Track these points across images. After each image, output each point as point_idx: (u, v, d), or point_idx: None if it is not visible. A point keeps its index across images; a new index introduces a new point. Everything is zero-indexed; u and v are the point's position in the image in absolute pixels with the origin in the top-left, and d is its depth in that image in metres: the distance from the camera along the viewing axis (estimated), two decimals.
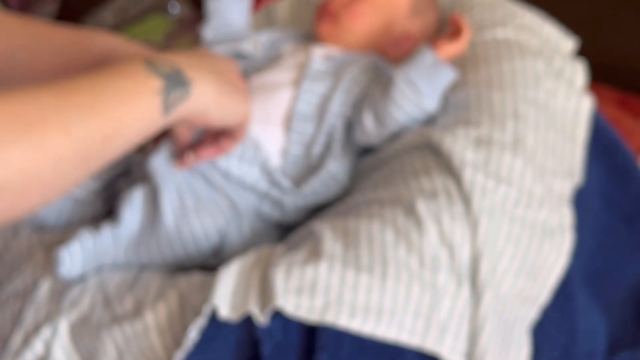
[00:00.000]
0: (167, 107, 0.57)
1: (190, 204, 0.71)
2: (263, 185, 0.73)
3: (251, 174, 0.73)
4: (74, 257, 0.68)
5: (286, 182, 0.73)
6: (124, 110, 0.54)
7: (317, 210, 0.76)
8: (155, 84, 0.56)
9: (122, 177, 0.79)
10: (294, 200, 0.74)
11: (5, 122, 0.48)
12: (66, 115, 0.51)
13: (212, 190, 0.73)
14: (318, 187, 0.74)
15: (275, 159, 0.76)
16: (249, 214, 0.73)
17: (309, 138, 0.76)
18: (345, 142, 0.76)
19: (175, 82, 0.58)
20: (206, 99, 0.61)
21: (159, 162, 0.71)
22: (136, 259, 0.72)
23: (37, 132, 0.49)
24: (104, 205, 0.78)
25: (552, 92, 0.75)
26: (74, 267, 0.69)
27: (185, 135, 0.71)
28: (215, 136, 0.71)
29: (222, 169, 0.72)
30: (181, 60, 0.61)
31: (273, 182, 0.73)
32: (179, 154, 0.71)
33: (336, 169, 0.74)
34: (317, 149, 0.75)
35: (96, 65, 0.68)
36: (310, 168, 0.75)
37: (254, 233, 0.73)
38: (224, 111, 0.65)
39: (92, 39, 0.70)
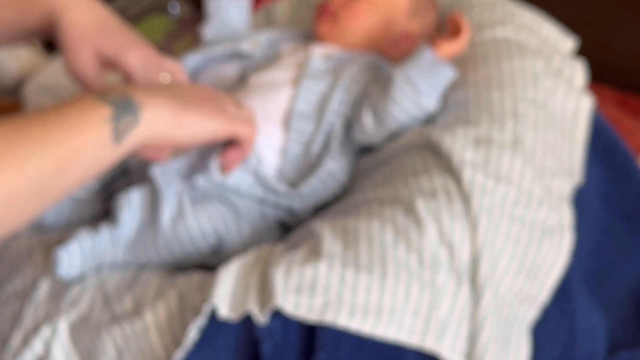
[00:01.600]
0: (117, 135, 0.56)
1: (189, 205, 0.71)
2: (258, 191, 0.73)
3: (245, 181, 0.73)
4: (73, 257, 0.68)
5: (281, 187, 0.73)
6: (75, 141, 0.54)
7: (317, 209, 0.77)
8: (103, 112, 0.56)
9: (121, 177, 0.79)
10: (291, 202, 0.74)
11: None
12: (19, 149, 0.51)
13: (211, 196, 0.73)
14: (317, 186, 0.74)
15: (273, 159, 0.76)
16: (250, 215, 0.73)
17: (308, 137, 0.76)
18: (344, 141, 0.76)
19: (124, 109, 0.57)
20: (160, 122, 0.60)
21: (161, 170, 0.72)
22: (134, 259, 0.72)
23: None
24: (103, 204, 0.78)
25: (552, 92, 0.75)
26: (72, 268, 0.69)
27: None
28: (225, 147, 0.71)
29: (217, 180, 0.72)
30: (134, 88, 0.60)
31: (268, 188, 0.73)
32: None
33: (334, 167, 0.74)
34: (315, 148, 0.75)
35: (44, 21, 0.69)
36: (308, 167, 0.75)
37: (254, 233, 0.73)
38: (189, 129, 0.63)
39: None
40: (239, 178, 0.72)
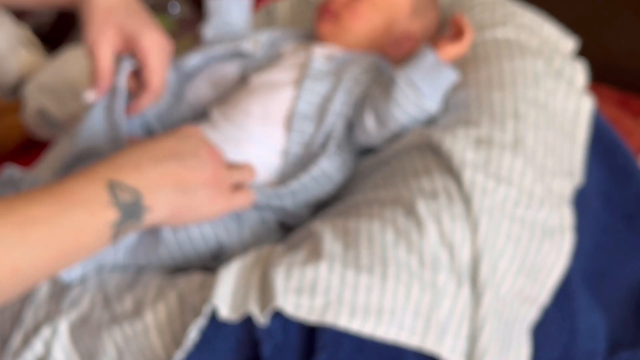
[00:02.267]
0: (115, 237, 0.57)
1: None
2: (262, 200, 0.73)
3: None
4: None
5: (282, 190, 0.73)
6: (74, 244, 0.55)
7: (317, 209, 0.77)
8: (111, 217, 0.56)
9: None
10: (282, 202, 0.74)
11: None
12: (20, 255, 0.51)
13: None
14: (309, 184, 0.73)
15: (275, 160, 0.76)
16: (250, 220, 0.73)
17: (309, 137, 0.76)
18: (342, 140, 0.76)
19: (132, 213, 0.57)
20: (157, 220, 0.61)
21: None
22: (135, 261, 0.72)
23: None
24: None
25: (552, 92, 0.75)
26: (73, 271, 0.69)
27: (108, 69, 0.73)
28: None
29: None
30: (145, 180, 0.59)
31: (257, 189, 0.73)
32: None
33: (329, 166, 0.74)
34: (315, 148, 0.75)
35: (69, 4, 0.71)
36: (305, 165, 0.75)
37: (255, 237, 0.73)
38: (185, 221, 0.65)
39: None
40: None
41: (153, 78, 0.73)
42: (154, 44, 0.72)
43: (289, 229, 0.76)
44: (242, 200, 0.69)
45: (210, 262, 0.72)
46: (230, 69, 0.83)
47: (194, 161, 0.64)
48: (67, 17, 1.45)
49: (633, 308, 0.79)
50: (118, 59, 0.75)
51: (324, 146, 0.75)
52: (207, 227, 0.70)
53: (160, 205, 0.60)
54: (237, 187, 0.69)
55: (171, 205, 0.61)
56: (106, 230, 0.56)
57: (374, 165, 0.76)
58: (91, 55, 0.72)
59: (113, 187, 0.57)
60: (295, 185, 0.73)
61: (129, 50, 0.73)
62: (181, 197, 0.62)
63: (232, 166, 0.70)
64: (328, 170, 0.74)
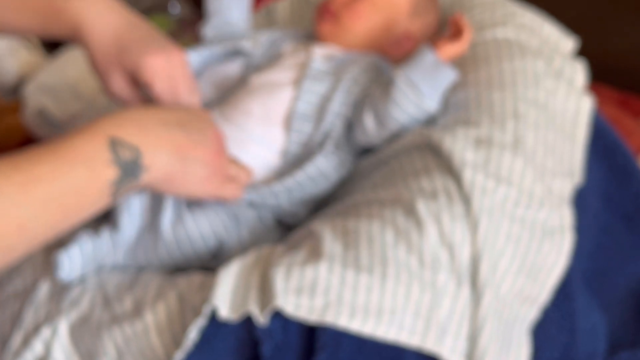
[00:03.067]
0: (114, 195, 0.58)
1: (187, 210, 0.71)
2: (257, 198, 0.73)
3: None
4: (73, 261, 0.68)
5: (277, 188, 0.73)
6: (76, 203, 0.56)
7: (316, 209, 0.76)
8: (111, 175, 0.57)
9: None
10: (277, 200, 0.74)
11: None
12: (25, 214, 0.52)
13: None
14: (303, 181, 0.73)
15: (274, 160, 0.76)
16: (248, 219, 0.73)
17: (307, 137, 0.76)
18: (341, 140, 0.76)
19: (130, 172, 0.58)
20: (153, 182, 0.61)
21: None
22: (135, 262, 0.72)
23: None
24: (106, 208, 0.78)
25: (552, 92, 0.75)
26: (73, 271, 0.69)
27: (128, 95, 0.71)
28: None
29: None
30: (145, 138, 0.60)
31: (265, 195, 0.73)
32: None
33: (325, 165, 0.74)
34: (313, 147, 0.75)
35: (69, 33, 0.69)
36: (302, 163, 0.75)
37: (253, 236, 0.73)
38: (175, 191, 0.65)
39: (65, 9, 0.69)
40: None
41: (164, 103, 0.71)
42: (155, 72, 0.69)
43: (288, 228, 0.76)
44: (230, 192, 0.69)
45: (210, 262, 0.72)
46: (232, 70, 0.83)
47: (198, 135, 0.64)
48: None
49: (633, 308, 0.79)
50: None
51: (321, 145, 0.75)
52: (206, 226, 0.71)
53: (157, 166, 0.60)
54: (231, 179, 0.69)
55: (167, 169, 0.61)
56: (106, 189, 0.57)
57: (374, 165, 0.76)
58: (117, 103, 0.71)
59: (114, 144, 0.57)
60: (290, 182, 0.73)
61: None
62: (178, 164, 0.62)
63: (233, 160, 0.70)
64: (324, 168, 0.74)
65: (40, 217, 0.53)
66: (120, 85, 0.70)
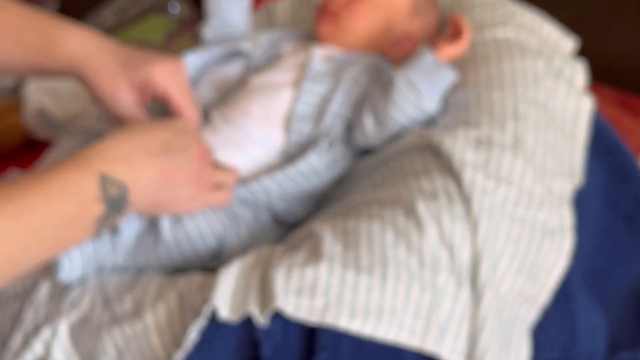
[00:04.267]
0: (98, 229, 0.59)
1: None
2: (248, 195, 0.74)
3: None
4: (74, 262, 0.68)
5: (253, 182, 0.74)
6: (65, 235, 0.57)
7: (316, 208, 0.76)
8: (98, 210, 0.58)
9: None
10: (269, 198, 0.74)
11: None
12: (15, 243, 0.53)
13: None
14: (294, 176, 0.73)
15: (274, 161, 0.76)
16: (246, 218, 0.73)
17: (306, 137, 0.76)
18: (338, 139, 0.76)
19: (116, 208, 0.59)
20: (137, 210, 0.64)
21: None
22: (134, 263, 0.72)
23: None
24: None
25: (552, 92, 0.75)
26: (73, 272, 0.69)
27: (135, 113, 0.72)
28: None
29: None
30: (132, 173, 0.61)
31: (256, 191, 0.73)
32: None
33: (317, 161, 0.74)
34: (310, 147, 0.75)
35: (64, 68, 0.69)
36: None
37: (253, 235, 0.73)
38: (161, 213, 0.68)
39: (59, 44, 0.69)
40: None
41: (184, 108, 0.72)
42: (167, 76, 0.70)
43: (288, 228, 0.76)
44: (220, 199, 0.70)
45: (210, 262, 0.72)
46: (232, 71, 0.83)
47: (183, 158, 0.65)
48: (68, 17, 1.45)
49: (633, 308, 0.79)
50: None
51: (315, 142, 0.75)
52: (205, 226, 0.71)
53: (142, 199, 0.62)
54: (218, 186, 0.70)
55: (152, 197, 0.63)
56: (91, 224, 0.58)
57: (374, 166, 0.76)
58: (122, 122, 0.71)
59: (104, 181, 0.58)
60: (279, 176, 0.73)
61: (148, 96, 0.72)
62: (163, 192, 0.64)
63: (218, 166, 0.71)
64: (316, 165, 0.74)
65: (30, 248, 0.54)
66: (129, 103, 0.70)
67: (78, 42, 0.69)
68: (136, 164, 0.61)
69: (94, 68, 0.69)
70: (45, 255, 0.56)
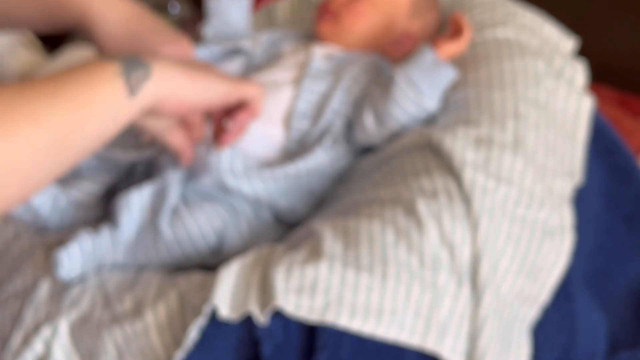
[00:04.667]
0: (131, 88, 0.57)
1: (185, 207, 0.71)
2: (250, 190, 0.73)
3: (249, 186, 0.73)
4: (73, 259, 0.68)
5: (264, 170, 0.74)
6: (87, 94, 0.54)
7: (316, 207, 0.76)
8: (113, 67, 0.56)
9: (123, 182, 0.79)
10: (269, 194, 0.74)
11: None
12: (32, 103, 0.51)
13: (209, 196, 0.73)
14: (302, 170, 0.73)
15: (274, 158, 0.76)
16: (247, 214, 0.73)
17: (305, 134, 0.76)
18: (339, 137, 0.76)
19: (134, 63, 0.57)
20: (171, 79, 0.60)
21: (172, 172, 0.72)
22: (135, 260, 0.72)
23: (7, 123, 0.49)
24: (106, 209, 0.78)
25: (553, 92, 0.75)
26: (72, 269, 0.69)
27: (182, 143, 0.70)
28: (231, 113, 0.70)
29: (217, 180, 0.72)
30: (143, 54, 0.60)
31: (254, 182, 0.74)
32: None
33: (322, 158, 0.74)
34: (309, 144, 0.75)
35: (75, 22, 0.69)
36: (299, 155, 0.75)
37: (253, 232, 0.73)
38: (198, 87, 0.63)
39: None
40: (241, 184, 0.72)
41: None
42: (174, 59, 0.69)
43: (289, 226, 0.76)
44: (253, 88, 0.67)
45: (210, 259, 0.72)
46: (232, 70, 0.83)
47: (209, 73, 0.64)
48: None
49: (633, 308, 0.79)
50: None
51: (320, 140, 0.75)
52: (205, 222, 0.71)
53: (162, 64, 0.59)
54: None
55: (176, 66, 0.60)
56: (116, 80, 0.56)
57: (374, 165, 0.76)
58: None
59: (107, 56, 0.57)
60: (290, 168, 0.73)
61: None
62: (186, 65, 0.62)
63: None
64: (322, 161, 0.74)
65: (52, 109, 0.52)
66: None
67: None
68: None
69: (102, 31, 0.68)
70: (74, 113, 0.53)
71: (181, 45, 0.70)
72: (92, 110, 0.55)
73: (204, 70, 0.64)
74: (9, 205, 0.52)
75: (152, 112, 0.61)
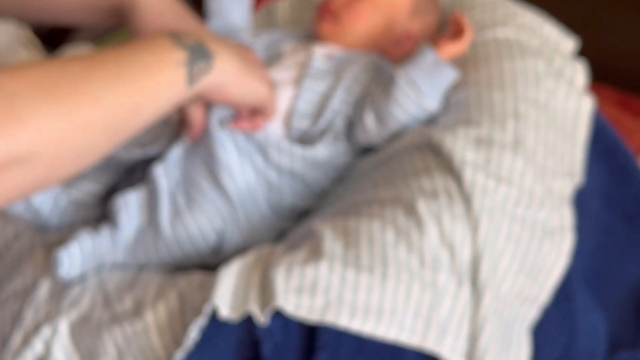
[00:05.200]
0: (191, 78, 0.58)
1: (185, 206, 0.71)
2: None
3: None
4: (73, 258, 0.68)
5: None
6: (149, 80, 0.56)
7: (316, 207, 0.76)
8: (179, 55, 0.57)
9: (124, 182, 0.79)
10: (280, 182, 0.74)
11: (38, 93, 0.49)
12: (95, 85, 0.52)
13: (206, 187, 0.73)
14: (306, 159, 0.74)
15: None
16: (247, 211, 0.73)
17: (304, 134, 0.76)
18: (340, 136, 0.76)
19: (199, 54, 0.59)
20: (228, 73, 0.63)
21: (164, 167, 0.72)
22: (135, 260, 0.72)
23: (68, 102, 0.50)
24: (107, 209, 0.78)
25: (553, 92, 0.75)
26: (72, 269, 0.69)
27: (199, 119, 0.72)
28: (249, 114, 0.72)
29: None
30: (207, 36, 0.62)
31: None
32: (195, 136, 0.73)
33: (323, 153, 0.74)
34: (308, 141, 0.75)
35: (114, 4, 0.70)
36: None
37: (253, 228, 0.73)
38: (244, 88, 0.66)
39: None
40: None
41: None
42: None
43: (289, 224, 0.76)
44: (268, 113, 0.72)
45: (210, 258, 0.72)
46: None
47: (247, 53, 0.67)
48: None
49: (633, 308, 0.79)
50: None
51: (320, 137, 0.75)
52: (204, 221, 0.71)
53: (225, 55, 0.62)
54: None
55: (235, 59, 0.63)
56: (179, 70, 0.57)
57: (374, 165, 0.76)
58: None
59: (175, 36, 0.58)
60: (297, 150, 0.73)
61: None
62: (242, 59, 0.65)
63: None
64: (322, 157, 0.74)
65: (118, 94, 0.53)
66: None
67: None
68: (204, 34, 0.63)
69: (148, 5, 0.70)
70: (134, 98, 0.55)
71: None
72: (151, 96, 0.56)
73: (253, 67, 0.67)
74: (60, 180, 0.53)
75: (199, 97, 0.63)
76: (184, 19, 0.73)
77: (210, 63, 0.60)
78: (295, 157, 0.74)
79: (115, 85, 0.53)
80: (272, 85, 0.74)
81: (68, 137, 0.51)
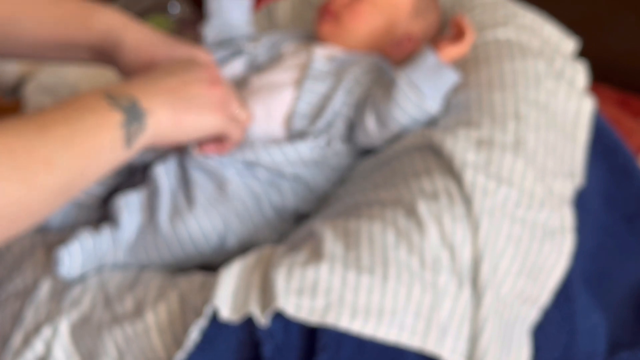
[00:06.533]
0: (128, 139, 0.60)
1: (184, 202, 0.71)
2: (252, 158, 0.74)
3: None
4: (74, 257, 0.68)
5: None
6: (94, 143, 0.57)
7: (317, 208, 0.76)
8: (116, 117, 0.59)
9: (125, 183, 0.79)
10: (274, 161, 0.74)
11: None
12: (49, 149, 0.54)
13: (208, 188, 0.73)
14: (298, 153, 0.74)
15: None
16: (249, 210, 0.73)
17: (303, 134, 0.76)
18: (339, 138, 0.76)
19: (133, 115, 0.60)
20: (161, 126, 0.63)
21: (164, 168, 0.72)
22: (136, 260, 0.72)
23: (25, 167, 0.52)
24: (108, 209, 0.78)
25: (553, 93, 0.75)
26: (73, 268, 0.69)
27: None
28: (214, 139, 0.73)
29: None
30: (138, 88, 0.63)
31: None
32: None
33: (305, 150, 0.74)
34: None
35: (96, 42, 0.71)
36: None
37: (255, 229, 0.73)
38: (188, 129, 0.66)
39: (95, 15, 0.71)
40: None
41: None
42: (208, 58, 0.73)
43: (290, 225, 0.76)
44: (235, 130, 0.71)
45: (211, 258, 0.72)
46: (233, 71, 0.83)
47: (189, 76, 0.67)
48: None
49: (633, 308, 0.79)
50: None
51: (317, 137, 0.75)
52: (206, 221, 0.71)
53: (159, 108, 0.62)
54: (234, 118, 0.71)
55: (169, 111, 0.63)
56: (117, 132, 0.58)
57: (375, 166, 0.76)
58: None
59: (109, 96, 0.59)
60: (288, 149, 0.73)
61: None
62: (178, 104, 0.65)
63: (235, 98, 0.73)
64: (305, 155, 0.74)
65: (65, 155, 0.55)
66: None
67: (114, 16, 0.72)
68: (138, 84, 0.63)
69: (134, 37, 0.71)
70: (82, 161, 0.56)
71: (199, 55, 0.73)
72: (95, 159, 0.58)
73: (195, 102, 0.66)
74: (11, 237, 0.55)
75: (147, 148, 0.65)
76: (171, 45, 0.73)
77: (142, 124, 0.61)
78: (288, 156, 0.74)
79: (66, 148, 0.55)
80: (240, 104, 0.73)
81: (26, 200, 0.53)
